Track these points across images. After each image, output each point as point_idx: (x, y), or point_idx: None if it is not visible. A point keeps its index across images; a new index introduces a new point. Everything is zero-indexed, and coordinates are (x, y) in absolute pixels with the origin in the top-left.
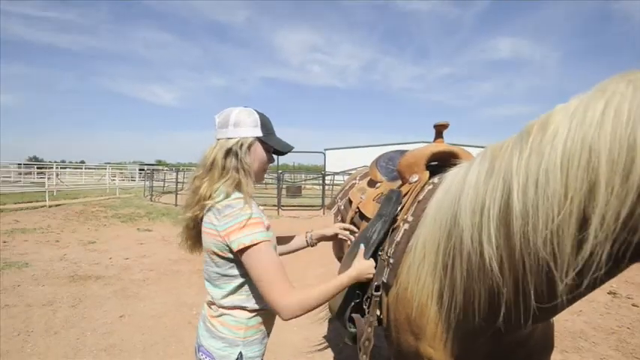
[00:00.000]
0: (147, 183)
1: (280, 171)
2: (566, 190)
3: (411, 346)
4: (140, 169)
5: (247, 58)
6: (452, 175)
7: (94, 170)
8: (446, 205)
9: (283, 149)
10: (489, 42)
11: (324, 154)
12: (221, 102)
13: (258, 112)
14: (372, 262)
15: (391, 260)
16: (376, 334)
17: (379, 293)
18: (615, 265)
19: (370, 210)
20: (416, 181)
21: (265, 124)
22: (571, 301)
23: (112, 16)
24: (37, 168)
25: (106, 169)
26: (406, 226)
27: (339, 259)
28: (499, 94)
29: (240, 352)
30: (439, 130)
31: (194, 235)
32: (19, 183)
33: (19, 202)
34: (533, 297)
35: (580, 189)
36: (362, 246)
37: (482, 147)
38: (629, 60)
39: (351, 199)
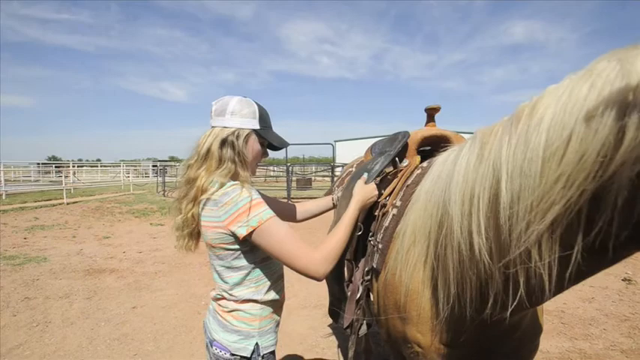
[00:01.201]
0: (159, 179)
1: (290, 163)
2: (540, 182)
3: (400, 332)
4: (153, 166)
5: (255, 51)
6: (442, 160)
7: (109, 168)
8: (437, 192)
9: (279, 145)
10: (501, 26)
11: (334, 146)
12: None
13: (257, 104)
14: (373, 185)
15: (380, 245)
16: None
17: (369, 277)
18: (594, 258)
19: None
20: (406, 165)
21: (263, 117)
22: (560, 290)
23: (122, 15)
24: (56, 167)
25: (120, 166)
26: (394, 210)
27: None
28: (513, 79)
29: (257, 343)
30: (430, 113)
31: (196, 233)
32: (38, 182)
33: (38, 200)
34: (522, 288)
35: (551, 182)
36: (365, 174)
37: None
38: None
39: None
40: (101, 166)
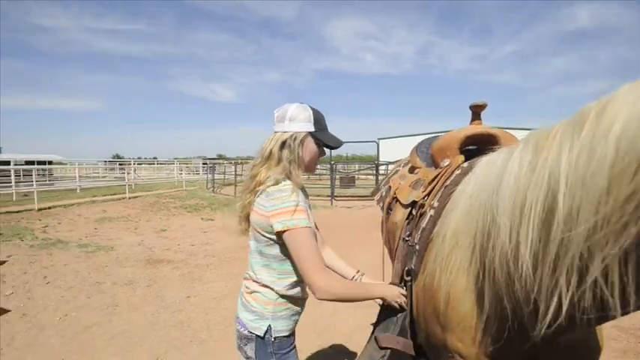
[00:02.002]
0: (209, 176)
1: (333, 162)
2: (607, 200)
3: (440, 339)
4: (203, 163)
5: (299, 50)
6: (488, 162)
7: (164, 165)
8: (483, 195)
9: (334, 144)
10: (563, 11)
11: (377, 144)
12: (275, 96)
13: (312, 109)
14: (402, 290)
15: (417, 247)
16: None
17: (410, 278)
18: None
19: (405, 196)
20: (446, 166)
21: (318, 120)
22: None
23: (175, 22)
24: (119, 164)
25: (174, 163)
26: (432, 212)
27: (387, 248)
28: (576, 70)
29: (270, 325)
30: (476, 111)
31: (246, 214)
32: (105, 178)
33: (106, 195)
34: (577, 307)
35: (620, 201)
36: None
37: None
38: None
39: (391, 185)
40: (157, 164)
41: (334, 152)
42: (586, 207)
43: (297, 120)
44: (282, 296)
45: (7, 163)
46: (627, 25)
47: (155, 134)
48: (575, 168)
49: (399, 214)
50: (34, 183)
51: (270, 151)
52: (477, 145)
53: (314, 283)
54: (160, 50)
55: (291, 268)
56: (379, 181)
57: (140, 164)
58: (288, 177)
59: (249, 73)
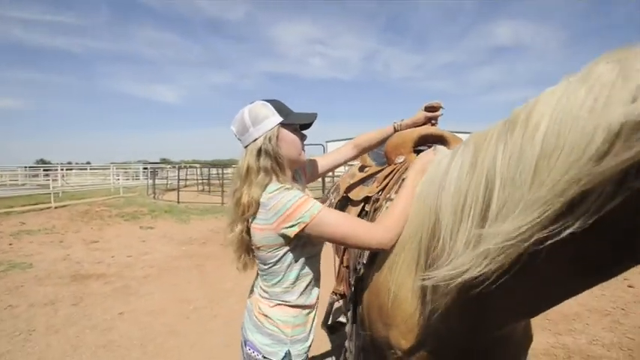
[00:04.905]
0: (150, 181)
1: None
2: (529, 193)
3: (383, 336)
4: (144, 168)
5: (247, 53)
6: (436, 163)
7: (99, 170)
8: (430, 196)
9: (309, 120)
10: (488, 27)
11: (324, 146)
12: (223, 98)
13: (268, 100)
14: (429, 156)
15: None
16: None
17: (361, 270)
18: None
19: (356, 193)
20: (401, 162)
21: (280, 108)
22: (556, 302)
23: (111, 17)
24: (44, 170)
25: (110, 168)
26: (388, 204)
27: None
28: (500, 80)
29: (288, 350)
30: (430, 111)
31: (247, 245)
32: (25, 186)
33: (25, 205)
34: (519, 299)
35: (542, 196)
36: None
37: None
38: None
39: (340, 184)
40: (90, 169)
41: None
42: (513, 203)
43: (260, 120)
44: (298, 311)
45: None
46: (540, 41)
47: (89, 137)
48: (508, 167)
49: (351, 212)
50: None
51: (247, 166)
52: (429, 145)
53: (374, 244)
54: (94, 46)
55: (301, 275)
56: (325, 185)
57: (70, 169)
58: (276, 180)
59: (195, 74)
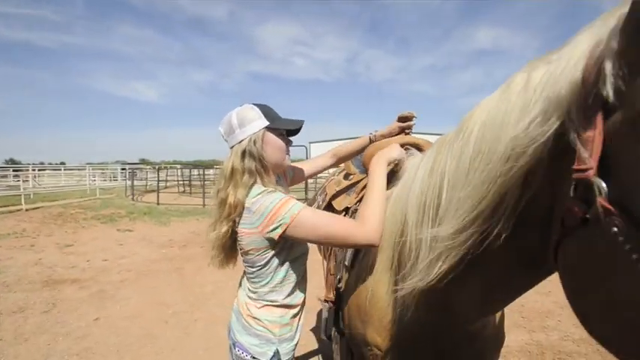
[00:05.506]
0: (128, 182)
1: None
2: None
3: (361, 333)
4: (122, 169)
5: (230, 52)
6: (410, 168)
7: (74, 171)
8: (402, 200)
9: (295, 127)
10: (468, 31)
11: (307, 148)
12: (206, 98)
13: (256, 104)
14: (396, 147)
15: (348, 252)
16: None
17: (346, 274)
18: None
19: (338, 202)
20: None
21: (268, 112)
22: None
23: (88, 12)
24: (13, 171)
25: (85, 169)
26: None
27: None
28: (479, 83)
29: (277, 349)
30: (404, 121)
31: (228, 246)
32: None
33: None
34: (478, 295)
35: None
36: None
37: None
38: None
39: (327, 190)
40: (65, 170)
41: None
42: (452, 204)
43: (246, 122)
44: (285, 311)
45: None
46: (517, 46)
47: (64, 137)
48: (456, 169)
49: None
50: None
51: (232, 166)
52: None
53: (359, 240)
54: (70, 42)
55: (287, 275)
56: (317, 187)
57: (43, 170)
58: (261, 183)
59: (176, 73)
